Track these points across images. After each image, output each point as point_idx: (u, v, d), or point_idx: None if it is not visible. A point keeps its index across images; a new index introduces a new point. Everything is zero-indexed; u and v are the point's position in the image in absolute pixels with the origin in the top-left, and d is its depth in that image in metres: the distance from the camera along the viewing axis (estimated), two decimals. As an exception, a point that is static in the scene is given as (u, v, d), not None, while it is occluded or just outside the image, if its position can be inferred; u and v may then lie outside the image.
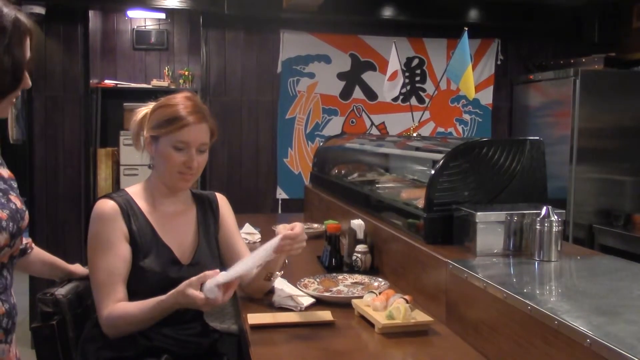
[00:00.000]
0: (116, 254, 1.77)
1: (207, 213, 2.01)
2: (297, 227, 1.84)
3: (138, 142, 1.92)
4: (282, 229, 1.84)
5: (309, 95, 4.94)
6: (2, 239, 1.30)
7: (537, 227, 1.80)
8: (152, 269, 1.78)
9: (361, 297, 1.92)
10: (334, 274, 2.25)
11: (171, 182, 1.88)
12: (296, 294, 2.00)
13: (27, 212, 1.42)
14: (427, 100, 5.02)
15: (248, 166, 4.90)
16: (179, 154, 1.82)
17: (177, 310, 1.78)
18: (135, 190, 1.91)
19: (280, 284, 2.07)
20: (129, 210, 1.83)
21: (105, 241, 1.77)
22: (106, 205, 1.81)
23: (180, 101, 1.86)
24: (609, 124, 4.35)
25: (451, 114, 5.17)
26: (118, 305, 1.74)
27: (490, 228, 1.86)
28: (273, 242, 1.78)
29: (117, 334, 1.75)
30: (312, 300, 1.99)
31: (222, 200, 2.08)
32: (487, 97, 5.18)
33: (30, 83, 1.37)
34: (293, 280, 2.14)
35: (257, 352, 1.60)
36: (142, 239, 1.81)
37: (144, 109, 1.92)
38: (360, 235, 2.44)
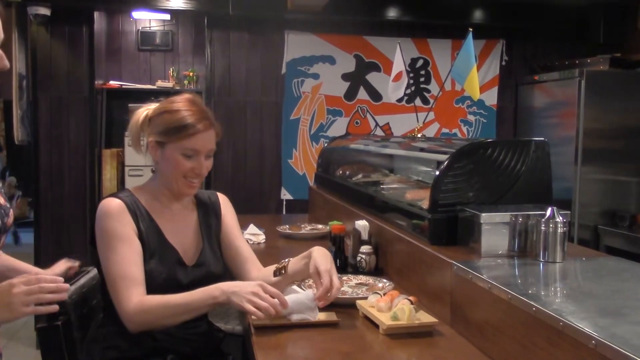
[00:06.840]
0: (131, 246, 1.75)
1: (208, 213, 1.99)
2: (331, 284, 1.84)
3: (138, 145, 1.89)
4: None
5: (313, 96, 4.94)
6: None
7: (542, 228, 1.79)
8: (158, 270, 1.78)
9: (366, 298, 1.92)
10: (339, 275, 2.24)
11: (177, 188, 1.86)
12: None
13: (12, 210, 1.42)
14: (431, 101, 5.01)
15: (252, 167, 4.90)
16: (187, 160, 1.81)
17: None
18: (139, 191, 1.89)
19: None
20: (136, 209, 1.81)
21: (118, 234, 1.75)
22: (113, 203, 1.79)
23: (186, 106, 1.83)
24: (614, 125, 4.33)
25: (456, 115, 5.16)
26: (152, 297, 1.70)
27: (495, 229, 1.86)
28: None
29: (143, 327, 1.70)
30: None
31: (223, 200, 2.06)
32: (491, 97, 5.17)
33: (7, 64, 1.35)
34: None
35: (262, 352, 1.60)
36: (149, 239, 1.80)
37: (143, 111, 1.87)
38: (364, 236, 2.44)
